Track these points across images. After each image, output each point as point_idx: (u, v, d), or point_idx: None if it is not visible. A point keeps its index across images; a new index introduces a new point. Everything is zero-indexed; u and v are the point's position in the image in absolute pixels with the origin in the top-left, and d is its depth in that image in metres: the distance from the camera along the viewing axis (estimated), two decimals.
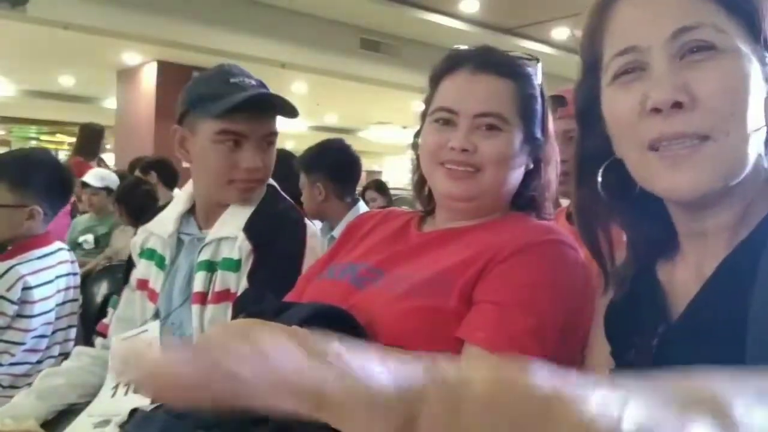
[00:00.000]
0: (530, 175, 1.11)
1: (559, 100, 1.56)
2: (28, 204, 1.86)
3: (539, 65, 1.13)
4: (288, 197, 1.55)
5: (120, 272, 2.55)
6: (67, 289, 1.95)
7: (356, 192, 2.92)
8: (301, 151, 2.95)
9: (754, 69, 0.69)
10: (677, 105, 0.68)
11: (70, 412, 1.43)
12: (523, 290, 0.94)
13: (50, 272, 1.88)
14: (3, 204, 1.83)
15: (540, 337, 0.90)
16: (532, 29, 8.05)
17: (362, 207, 2.80)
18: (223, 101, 1.35)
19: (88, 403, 1.39)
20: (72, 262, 2.01)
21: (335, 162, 2.71)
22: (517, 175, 1.09)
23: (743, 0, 0.71)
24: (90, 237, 4.01)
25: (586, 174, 0.83)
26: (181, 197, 1.55)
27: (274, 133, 1.44)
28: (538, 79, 1.11)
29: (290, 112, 1.41)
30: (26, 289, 1.78)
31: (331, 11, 7.40)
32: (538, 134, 1.09)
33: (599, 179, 0.80)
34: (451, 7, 7.41)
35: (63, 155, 10.48)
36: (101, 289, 2.54)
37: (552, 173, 1.13)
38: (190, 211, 1.51)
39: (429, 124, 1.09)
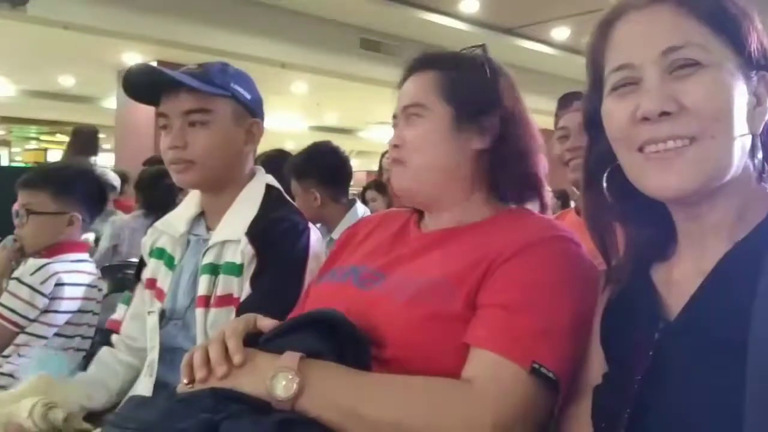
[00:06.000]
0: (496, 156, 1.08)
1: (578, 96, 1.65)
2: (68, 211, 1.94)
3: (482, 48, 1.15)
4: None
5: (120, 272, 2.56)
6: (86, 299, 1.96)
7: (350, 192, 2.90)
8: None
9: (738, 82, 0.76)
10: (665, 114, 0.75)
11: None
12: (528, 290, 0.93)
13: (81, 277, 1.95)
14: (46, 211, 1.91)
15: (549, 337, 0.89)
16: (532, 29, 8.06)
17: (360, 207, 2.79)
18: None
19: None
20: (99, 278, 2.06)
21: (326, 166, 2.69)
22: (454, 154, 1.07)
23: (728, 20, 0.78)
24: (91, 236, 3.98)
25: (593, 179, 0.89)
26: (192, 198, 1.55)
27: (196, 111, 1.38)
28: (481, 59, 1.12)
29: (194, 82, 1.36)
30: (59, 285, 1.85)
31: (331, 11, 7.39)
32: (487, 111, 1.07)
33: (604, 183, 0.87)
34: (451, 7, 7.41)
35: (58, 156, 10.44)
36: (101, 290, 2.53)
37: (521, 144, 1.09)
38: (201, 213, 1.51)
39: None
